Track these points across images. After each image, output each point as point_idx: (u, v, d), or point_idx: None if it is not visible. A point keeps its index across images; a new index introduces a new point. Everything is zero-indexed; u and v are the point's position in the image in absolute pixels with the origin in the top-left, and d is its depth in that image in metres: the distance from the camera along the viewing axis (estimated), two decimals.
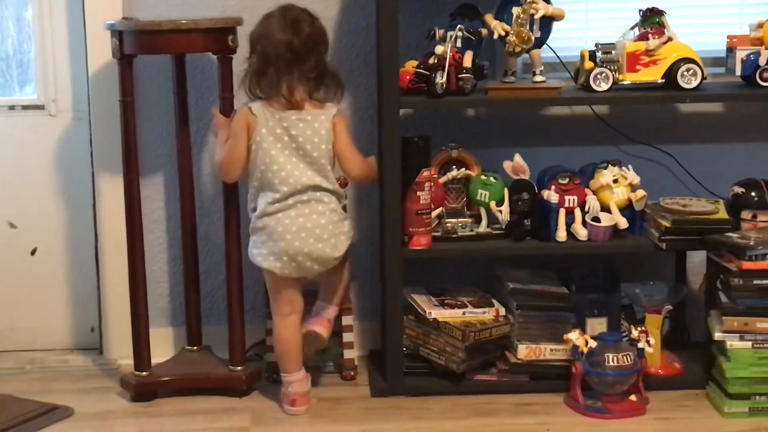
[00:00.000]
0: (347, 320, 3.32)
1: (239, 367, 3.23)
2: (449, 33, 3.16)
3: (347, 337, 3.33)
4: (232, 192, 3.19)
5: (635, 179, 3.23)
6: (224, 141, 3.08)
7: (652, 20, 3.24)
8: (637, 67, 3.18)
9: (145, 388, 3.21)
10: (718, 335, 3.08)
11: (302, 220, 3.01)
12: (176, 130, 3.32)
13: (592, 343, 3.10)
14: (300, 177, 3.00)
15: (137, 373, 3.22)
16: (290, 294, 3.09)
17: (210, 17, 3.14)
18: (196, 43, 3.06)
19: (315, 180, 3.02)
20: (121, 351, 3.43)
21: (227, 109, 3.13)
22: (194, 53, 3.25)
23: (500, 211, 3.21)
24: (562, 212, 3.20)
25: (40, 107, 3.51)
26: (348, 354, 3.33)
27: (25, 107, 3.51)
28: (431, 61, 3.14)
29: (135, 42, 3.08)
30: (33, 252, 3.58)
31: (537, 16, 3.13)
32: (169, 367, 3.30)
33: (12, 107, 3.51)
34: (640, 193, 3.21)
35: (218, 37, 3.08)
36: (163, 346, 3.43)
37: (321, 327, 3.18)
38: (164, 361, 3.34)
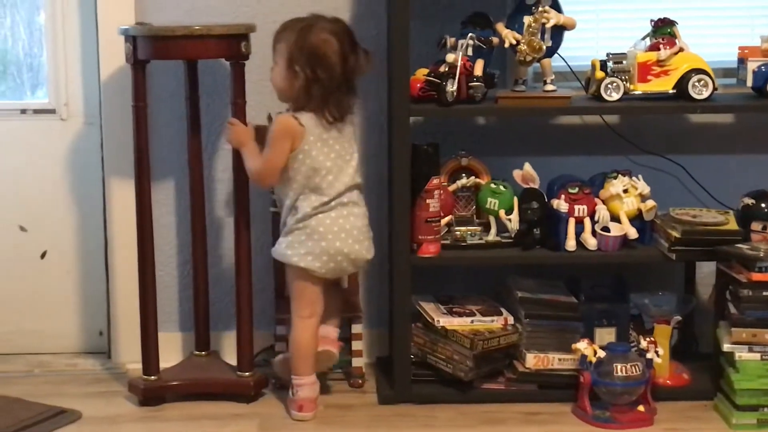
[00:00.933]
0: (357, 328, 3.33)
1: (247, 373, 3.24)
2: (460, 41, 3.16)
3: (356, 345, 3.34)
4: (243, 197, 3.20)
5: (645, 189, 3.23)
6: (255, 150, 3.10)
7: (663, 30, 3.25)
8: (648, 77, 3.19)
9: (152, 392, 3.22)
10: (726, 346, 3.09)
11: (342, 221, 3.07)
12: (188, 135, 3.35)
13: (601, 353, 3.10)
14: (344, 179, 3.07)
15: (145, 377, 3.23)
16: (315, 296, 3.12)
17: (223, 23, 3.17)
18: (210, 49, 3.09)
19: (356, 179, 3.10)
20: (129, 355, 3.45)
21: (239, 115, 3.15)
22: (207, 59, 3.26)
23: (509, 220, 3.22)
24: (572, 221, 3.20)
25: (52, 111, 3.52)
26: (357, 362, 3.34)
27: (36, 111, 3.53)
28: (442, 69, 3.15)
29: (149, 47, 3.10)
30: (43, 255, 3.60)
31: (548, 26, 3.13)
32: (177, 371, 3.32)
33: (23, 111, 3.53)
34: (650, 203, 3.22)
35: (231, 43, 3.10)
36: (171, 350, 3.45)
37: (335, 347, 3.21)
38: (172, 365, 3.36)
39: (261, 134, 3.16)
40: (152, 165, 3.28)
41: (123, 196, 3.39)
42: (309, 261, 3.06)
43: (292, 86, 3.03)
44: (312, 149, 3.04)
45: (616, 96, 3.18)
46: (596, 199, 3.24)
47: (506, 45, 3.15)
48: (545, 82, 3.20)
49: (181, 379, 3.27)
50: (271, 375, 3.31)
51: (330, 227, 3.06)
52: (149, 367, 3.24)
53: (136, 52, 3.10)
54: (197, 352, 3.41)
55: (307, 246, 3.06)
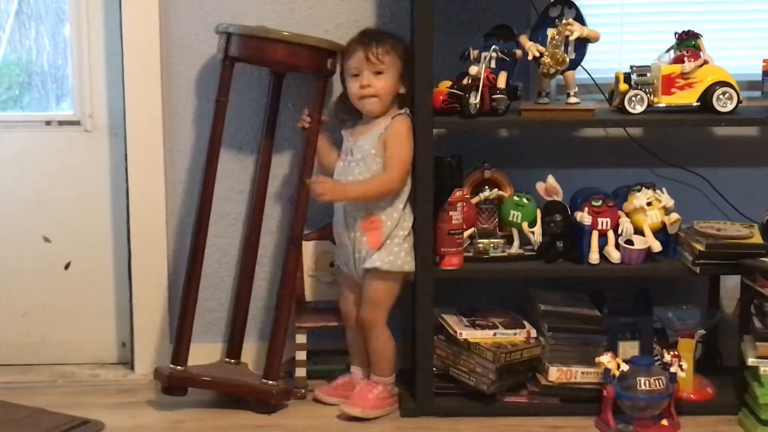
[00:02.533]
0: None
1: (272, 382, 3.25)
2: (483, 54, 3.18)
3: None
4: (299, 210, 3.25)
5: (669, 202, 3.24)
6: (354, 184, 3.17)
7: (687, 43, 3.25)
8: (673, 89, 3.20)
9: (177, 381, 3.24)
10: (751, 361, 3.08)
11: None
12: (259, 144, 3.39)
13: (624, 367, 3.10)
14: None
15: (172, 366, 3.25)
16: None
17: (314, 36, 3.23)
18: (300, 58, 3.15)
19: None
20: (152, 366, 3.47)
21: (312, 129, 3.21)
22: (295, 68, 3.29)
23: (532, 233, 3.22)
24: (595, 234, 3.21)
25: (76, 123, 3.55)
26: None
27: (61, 123, 3.55)
28: (465, 81, 3.16)
29: (241, 46, 3.17)
30: (67, 266, 3.62)
31: (572, 38, 3.14)
32: (204, 368, 3.36)
33: (48, 123, 3.55)
34: (674, 216, 3.23)
35: (321, 56, 3.16)
36: (199, 360, 3.42)
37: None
38: (200, 364, 3.39)
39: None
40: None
41: (147, 207, 3.43)
42: (413, 265, 3.18)
43: (396, 94, 3.15)
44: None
45: (639, 108, 3.19)
46: (620, 212, 3.25)
47: (530, 57, 3.16)
48: (569, 95, 3.21)
49: (206, 374, 3.29)
50: (291, 385, 3.34)
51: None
52: (178, 357, 3.26)
53: (228, 48, 3.17)
54: (227, 360, 3.45)
55: (412, 251, 3.17)
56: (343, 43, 3.24)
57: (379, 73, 3.13)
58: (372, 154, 3.15)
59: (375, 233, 3.16)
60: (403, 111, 3.15)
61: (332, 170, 3.27)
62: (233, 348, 3.45)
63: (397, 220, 3.15)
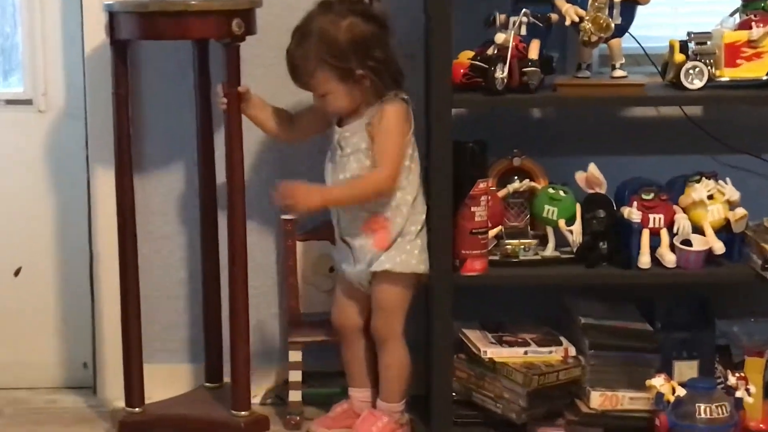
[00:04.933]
0: None
1: (243, 413, 3.24)
2: (512, 18, 3.16)
3: None
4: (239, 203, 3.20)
5: (734, 195, 3.21)
6: (338, 188, 3.15)
7: (756, 5, 3.22)
8: (738, 60, 3.17)
9: (130, 427, 3.26)
10: None
11: None
12: (197, 129, 3.36)
13: (680, 391, 3.08)
14: None
15: (128, 408, 3.27)
16: None
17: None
18: (191, 28, 3.10)
19: None
20: (118, 390, 3.41)
21: (233, 106, 3.15)
22: (187, 39, 3.29)
23: (571, 231, 3.20)
24: (646, 233, 3.18)
25: (28, 102, 3.55)
26: None
27: (9, 102, 3.56)
28: (490, 51, 3.14)
29: (128, 24, 3.13)
30: (17, 273, 3.62)
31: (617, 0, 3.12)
32: (165, 405, 3.36)
33: None
34: (740, 211, 3.20)
35: (219, 20, 3.09)
36: (180, 384, 3.49)
37: None
38: (164, 399, 3.39)
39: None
40: (148, 165, 3.35)
41: (111, 201, 3.34)
42: (427, 264, 3.17)
43: (361, 91, 3.10)
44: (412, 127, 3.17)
45: (698, 83, 3.16)
46: (675, 207, 3.23)
47: (567, 23, 3.14)
48: (614, 67, 3.20)
49: (166, 414, 3.31)
50: (282, 414, 3.36)
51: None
52: (131, 398, 3.28)
53: (114, 30, 3.15)
54: (208, 384, 3.46)
55: (426, 249, 3.17)
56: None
57: (322, 96, 3.12)
58: (363, 148, 3.14)
59: (382, 233, 3.15)
60: (390, 94, 3.11)
61: (286, 134, 3.26)
62: (212, 370, 3.46)
63: (407, 215, 3.15)
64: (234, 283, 3.20)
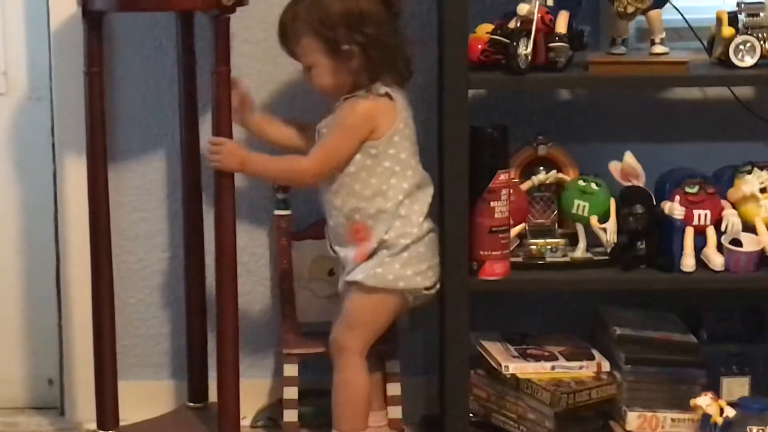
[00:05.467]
0: (392, 367, 3.29)
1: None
2: None
3: (392, 389, 3.26)
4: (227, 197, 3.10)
5: None
6: (265, 157, 3.12)
7: None
8: None
9: None
10: None
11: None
12: (180, 115, 3.29)
13: (730, 412, 3.00)
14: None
15: (100, 431, 3.22)
16: (384, 327, 3.18)
17: None
18: None
19: None
20: (88, 411, 3.34)
21: (222, 87, 3.06)
22: (171, 11, 3.24)
23: (604, 230, 3.11)
24: (690, 232, 3.09)
25: None
26: (393, 413, 3.26)
27: None
28: (512, 24, 3.05)
29: None
30: None
31: None
32: (143, 428, 3.31)
33: None
34: None
35: None
36: (163, 402, 3.40)
37: None
38: (142, 420, 3.32)
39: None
40: (123, 154, 3.31)
41: (81, 195, 3.26)
42: (418, 281, 3.07)
43: (348, 71, 3.02)
44: (406, 128, 3.07)
45: (750, 60, 3.06)
46: (723, 202, 3.14)
47: None
48: (653, 42, 3.09)
49: None
50: None
51: (433, 235, 3.10)
52: (104, 419, 3.21)
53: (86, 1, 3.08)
54: (191, 404, 3.38)
55: (428, 260, 3.08)
56: None
57: (308, 69, 3.08)
58: None
59: (365, 244, 3.08)
60: (359, 92, 3.03)
61: (295, 145, 3.20)
62: (194, 388, 3.40)
63: (389, 224, 3.05)
64: (221, 288, 3.12)
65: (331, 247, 3.15)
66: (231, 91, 3.12)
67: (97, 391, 3.21)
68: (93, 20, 3.08)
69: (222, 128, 3.07)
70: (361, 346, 3.10)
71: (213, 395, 3.28)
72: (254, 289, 3.42)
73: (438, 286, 3.10)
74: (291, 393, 3.22)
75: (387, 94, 3.03)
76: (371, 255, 3.06)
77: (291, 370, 3.21)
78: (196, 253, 3.32)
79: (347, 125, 3.03)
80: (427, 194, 3.09)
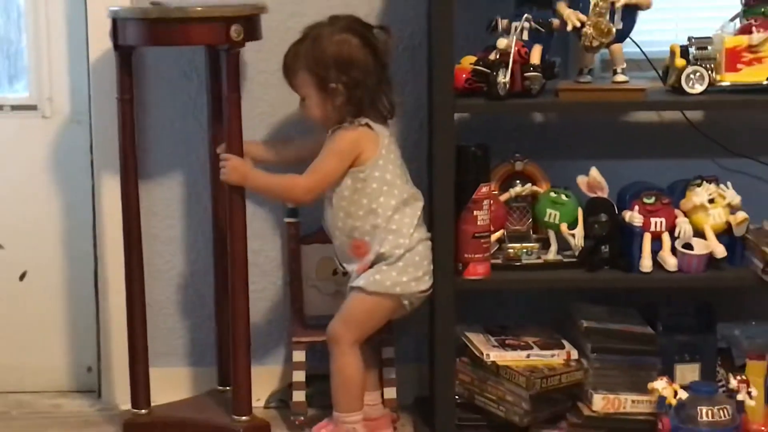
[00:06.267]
0: (388, 353, 3.36)
1: (243, 417, 3.25)
2: (514, 24, 3.17)
3: (387, 373, 3.36)
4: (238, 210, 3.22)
5: (735, 199, 3.23)
6: (265, 175, 3.21)
7: (756, 10, 3.23)
8: (738, 65, 3.19)
9: (134, 428, 3.27)
10: None
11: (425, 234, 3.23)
12: (209, 133, 3.38)
13: (683, 394, 3.10)
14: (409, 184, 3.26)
15: (134, 410, 3.29)
16: (380, 324, 3.25)
17: (209, 4, 3.18)
18: (192, 35, 3.14)
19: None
20: (123, 394, 3.45)
21: (234, 110, 3.16)
22: (188, 45, 3.35)
23: (573, 235, 3.22)
24: (647, 237, 3.20)
25: (33, 108, 3.57)
26: (389, 394, 3.36)
27: (14, 107, 3.58)
28: (492, 56, 3.16)
29: (133, 30, 3.15)
30: (22, 277, 3.64)
31: (619, 5, 3.13)
32: (172, 408, 3.40)
33: None
34: (741, 215, 3.21)
35: (217, 27, 3.11)
36: (191, 387, 3.53)
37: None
38: (173, 401, 3.44)
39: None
40: (153, 170, 3.38)
41: (116, 207, 3.37)
42: (413, 286, 3.16)
43: (333, 106, 3.15)
44: (389, 153, 3.16)
45: (699, 88, 3.18)
46: (676, 211, 3.25)
47: (569, 28, 3.15)
48: (615, 72, 3.21)
49: (169, 417, 3.33)
50: (286, 417, 3.39)
51: (427, 243, 3.18)
52: (137, 399, 3.29)
53: (117, 36, 3.17)
54: (220, 388, 3.47)
55: (423, 267, 3.17)
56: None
57: (303, 99, 3.20)
58: None
59: (363, 259, 3.18)
60: (344, 124, 3.15)
61: (286, 162, 3.34)
62: (223, 373, 3.45)
63: (383, 239, 3.15)
64: (234, 286, 3.21)
65: (340, 264, 3.25)
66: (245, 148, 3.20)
67: (132, 376, 3.31)
68: (123, 53, 3.21)
69: (233, 145, 3.16)
70: (353, 339, 3.17)
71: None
72: (267, 287, 3.51)
73: (432, 289, 3.17)
74: (299, 376, 3.32)
75: (367, 124, 3.13)
76: (371, 266, 3.15)
77: (299, 356, 3.32)
78: (222, 256, 3.34)
79: (336, 150, 3.13)
80: (416, 208, 3.16)
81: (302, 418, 3.34)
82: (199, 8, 3.11)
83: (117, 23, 3.17)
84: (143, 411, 3.29)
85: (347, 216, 3.16)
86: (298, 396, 3.34)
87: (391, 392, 3.35)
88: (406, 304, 3.17)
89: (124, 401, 3.45)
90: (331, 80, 3.11)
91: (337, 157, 3.14)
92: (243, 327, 3.23)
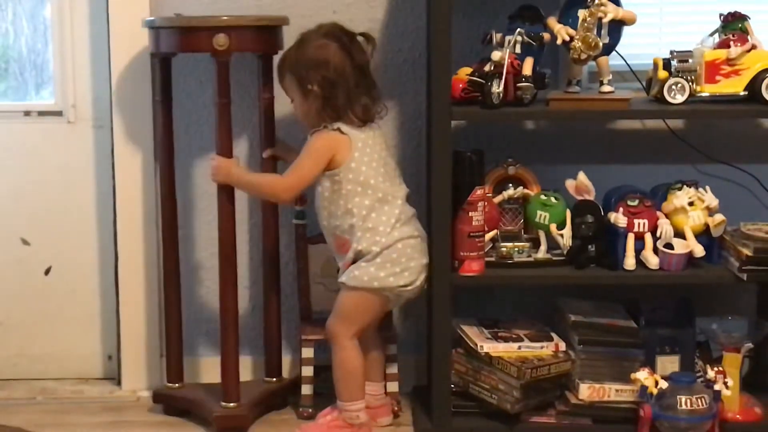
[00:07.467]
0: (391, 349, 3.37)
1: (231, 404, 3.27)
2: (507, 37, 3.19)
3: (391, 368, 3.37)
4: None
5: (713, 202, 3.24)
6: (249, 174, 3.28)
7: (734, 26, 3.26)
8: (717, 77, 3.21)
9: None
10: None
11: (416, 232, 3.21)
12: (261, 135, 3.38)
13: (663, 384, 3.12)
14: (397, 186, 3.25)
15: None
16: (374, 319, 3.26)
17: (248, 15, 3.24)
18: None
19: (404, 185, 3.26)
20: (140, 382, 3.53)
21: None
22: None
23: (561, 235, 3.23)
24: (631, 237, 3.21)
25: (58, 113, 3.58)
26: (391, 387, 3.37)
27: (41, 113, 3.59)
28: (487, 68, 3.17)
29: (172, 39, 3.20)
30: (47, 272, 3.65)
31: (605, 20, 3.15)
32: (197, 389, 3.45)
33: (27, 113, 3.59)
34: (719, 217, 3.23)
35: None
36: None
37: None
38: (203, 383, 3.51)
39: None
40: (183, 161, 3.39)
41: (135, 206, 3.45)
42: (391, 281, 3.16)
43: (313, 108, 3.16)
44: (363, 155, 3.15)
45: (680, 98, 3.20)
46: (658, 213, 3.26)
47: (559, 41, 3.18)
48: (602, 83, 3.22)
49: (183, 395, 3.39)
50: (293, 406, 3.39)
51: (412, 243, 3.17)
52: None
53: (159, 44, 3.20)
54: (267, 379, 3.48)
55: (401, 263, 3.16)
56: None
57: (291, 101, 3.23)
58: None
59: (346, 256, 3.20)
60: (320, 127, 3.17)
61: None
62: (271, 364, 3.48)
63: (360, 237, 3.16)
64: (223, 279, 3.23)
65: (335, 258, 3.29)
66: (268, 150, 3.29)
67: (168, 357, 3.38)
68: (162, 60, 3.27)
69: (222, 147, 3.20)
70: (350, 333, 3.18)
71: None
72: (283, 286, 3.47)
73: (417, 283, 3.16)
74: (308, 371, 3.35)
75: (339, 129, 3.12)
76: (353, 262, 3.17)
77: (308, 352, 3.35)
78: (270, 252, 3.39)
79: (311, 152, 3.15)
80: (394, 207, 3.15)
81: (310, 410, 3.36)
82: (243, 17, 3.17)
83: (159, 32, 3.20)
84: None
85: (330, 215, 3.19)
86: (306, 389, 3.37)
87: (394, 386, 3.36)
88: (391, 297, 3.16)
89: (141, 388, 3.51)
90: (310, 81, 3.13)
91: (312, 158, 3.15)
92: (231, 320, 3.25)
